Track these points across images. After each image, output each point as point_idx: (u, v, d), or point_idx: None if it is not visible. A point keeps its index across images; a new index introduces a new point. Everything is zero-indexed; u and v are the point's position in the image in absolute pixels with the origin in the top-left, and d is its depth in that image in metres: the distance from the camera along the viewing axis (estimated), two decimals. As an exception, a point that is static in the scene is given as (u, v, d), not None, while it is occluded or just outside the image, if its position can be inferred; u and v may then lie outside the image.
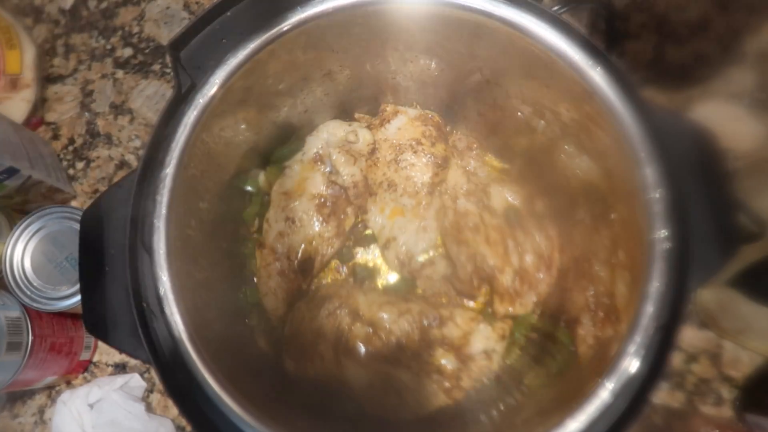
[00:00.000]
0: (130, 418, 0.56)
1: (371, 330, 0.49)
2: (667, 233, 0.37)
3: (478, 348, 0.48)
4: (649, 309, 0.36)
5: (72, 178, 0.68)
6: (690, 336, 0.57)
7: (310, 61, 0.48)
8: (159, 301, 0.38)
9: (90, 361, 0.63)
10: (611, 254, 0.43)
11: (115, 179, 0.67)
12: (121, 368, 0.62)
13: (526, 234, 0.51)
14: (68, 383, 0.62)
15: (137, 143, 0.68)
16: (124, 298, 0.39)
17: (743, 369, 0.56)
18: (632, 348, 0.35)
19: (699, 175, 0.38)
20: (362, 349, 0.48)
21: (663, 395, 0.56)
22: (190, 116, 0.41)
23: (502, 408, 0.45)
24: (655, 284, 0.36)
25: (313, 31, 0.44)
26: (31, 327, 0.54)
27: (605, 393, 0.35)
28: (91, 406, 0.57)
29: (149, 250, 0.39)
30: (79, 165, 0.68)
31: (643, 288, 0.36)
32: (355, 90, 0.55)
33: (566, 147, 0.47)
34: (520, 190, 0.54)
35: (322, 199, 0.54)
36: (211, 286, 0.46)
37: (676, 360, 0.57)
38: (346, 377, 0.48)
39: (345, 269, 0.57)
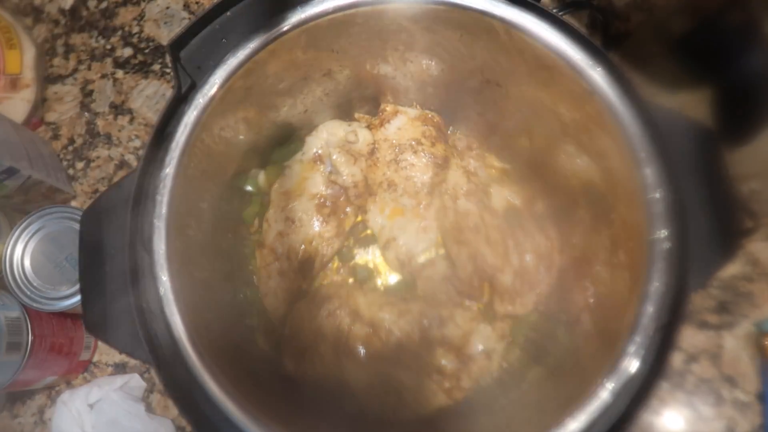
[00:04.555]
0: (130, 418, 0.56)
1: (371, 330, 0.49)
2: (667, 233, 0.37)
3: (478, 348, 0.48)
4: (649, 309, 0.36)
5: (72, 178, 0.68)
6: (690, 336, 0.57)
7: (310, 60, 0.48)
8: (159, 301, 0.38)
9: (90, 361, 0.63)
10: (611, 254, 0.43)
11: (115, 179, 0.67)
12: (121, 368, 0.62)
13: (527, 234, 0.51)
14: (68, 383, 0.62)
15: (137, 143, 0.68)
16: (124, 298, 0.39)
17: (743, 369, 0.56)
18: (632, 348, 0.35)
19: (699, 174, 0.38)
20: (362, 349, 0.48)
21: (663, 395, 0.56)
22: (191, 116, 0.41)
23: (502, 408, 0.45)
24: (655, 284, 0.36)
25: (313, 30, 0.44)
26: (31, 327, 0.54)
27: (605, 393, 0.35)
28: (91, 406, 0.57)
29: (149, 250, 0.39)
30: (79, 165, 0.68)
31: (643, 288, 0.36)
32: (355, 90, 0.55)
33: (567, 147, 0.47)
34: (521, 190, 0.54)
35: (322, 199, 0.54)
36: (211, 287, 0.46)
37: (676, 360, 0.57)
38: (345, 377, 0.48)
39: (345, 270, 0.57)
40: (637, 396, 0.35)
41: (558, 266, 0.50)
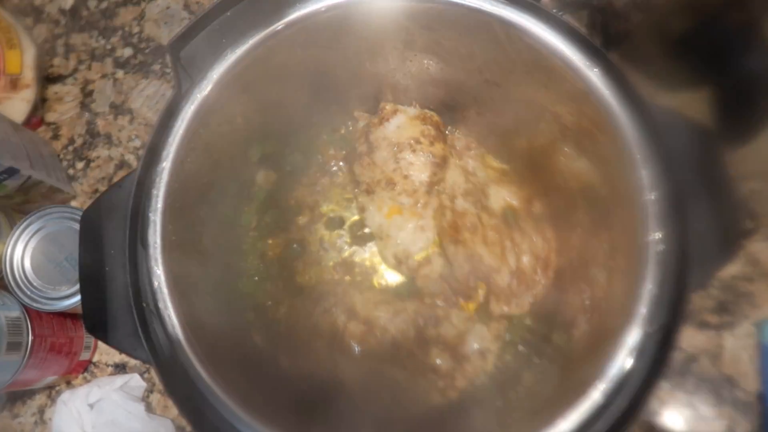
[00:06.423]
0: (130, 418, 0.56)
1: (366, 328, 0.49)
2: (661, 235, 0.37)
3: (473, 348, 0.48)
4: (642, 311, 0.36)
5: (72, 178, 0.68)
6: (690, 336, 0.57)
7: (309, 58, 0.48)
8: (153, 294, 0.38)
9: (90, 361, 0.63)
10: (608, 257, 0.43)
11: (115, 179, 0.67)
12: (121, 368, 0.62)
13: (524, 235, 0.51)
14: (68, 383, 0.62)
15: (137, 143, 0.69)
16: (124, 298, 0.39)
17: (743, 369, 0.56)
18: (625, 350, 0.35)
19: (699, 174, 0.38)
20: (357, 347, 0.48)
21: (663, 395, 0.56)
22: (188, 111, 0.41)
23: (495, 408, 0.45)
24: (648, 286, 0.36)
25: (312, 27, 0.44)
26: (31, 327, 0.54)
27: (597, 393, 0.35)
28: (91, 406, 0.57)
29: (145, 244, 0.39)
30: (79, 165, 0.68)
31: (637, 290, 0.36)
32: (355, 88, 0.55)
33: (565, 149, 0.47)
34: (519, 191, 0.54)
35: None
36: (207, 281, 0.46)
37: (676, 360, 0.57)
38: (340, 375, 0.48)
39: (341, 267, 0.57)
40: (633, 397, 0.35)
41: (554, 267, 0.50)
